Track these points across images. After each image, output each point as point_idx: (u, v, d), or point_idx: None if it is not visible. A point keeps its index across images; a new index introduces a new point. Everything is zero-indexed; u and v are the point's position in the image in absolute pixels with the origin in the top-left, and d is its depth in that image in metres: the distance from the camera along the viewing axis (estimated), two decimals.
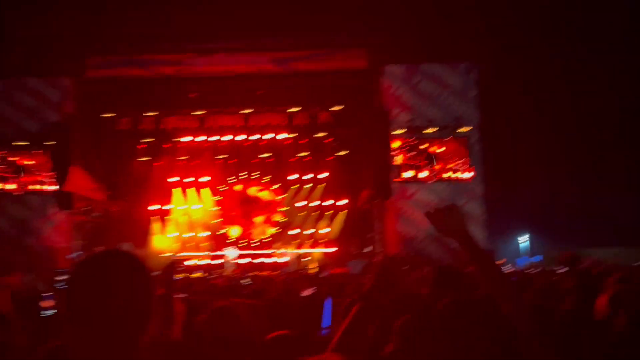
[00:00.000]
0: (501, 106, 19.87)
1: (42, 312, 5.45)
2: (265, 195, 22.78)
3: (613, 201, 20.98)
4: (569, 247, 16.45)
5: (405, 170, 19.09)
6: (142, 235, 21.37)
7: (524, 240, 20.32)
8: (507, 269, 14.43)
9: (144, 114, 20.08)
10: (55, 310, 5.39)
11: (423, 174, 19.14)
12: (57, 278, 11.11)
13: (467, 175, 19.11)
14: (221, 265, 20.06)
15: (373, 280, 2.05)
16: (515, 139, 20.53)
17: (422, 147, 19.08)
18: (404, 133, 19.01)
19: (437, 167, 19.11)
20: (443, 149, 19.13)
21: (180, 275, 12.48)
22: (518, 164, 19.50)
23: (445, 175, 19.10)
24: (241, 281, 11.48)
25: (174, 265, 5.18)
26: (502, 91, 19.96)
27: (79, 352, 1.31)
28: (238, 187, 22.83)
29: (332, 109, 20.05)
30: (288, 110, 20.29)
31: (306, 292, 7.78)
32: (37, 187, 18.39)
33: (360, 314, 1.95)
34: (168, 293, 3.52)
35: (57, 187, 17.61)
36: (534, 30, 20.39)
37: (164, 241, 21.94)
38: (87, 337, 1.30)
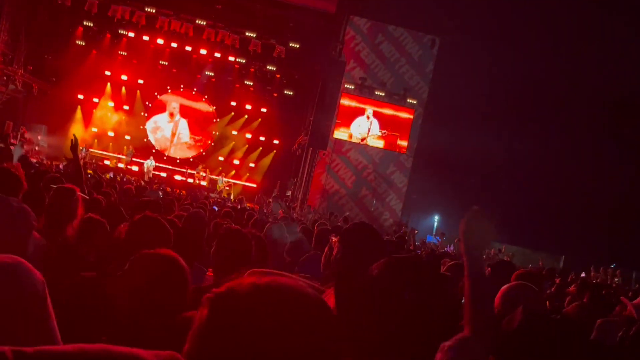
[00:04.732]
0: (452, 88, 20.08)
1: None
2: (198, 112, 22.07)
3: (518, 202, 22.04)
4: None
5: (346, 126, 19.07)
6: (61, 122, 20.17)
7: (437, 220, 21.10)
8: (417, 242, 14.93)
9: None
10: None
11: (362, 134, 19.21)
12: None
13: (402, 145, 19.38)
14: (137, 173, 19.40)
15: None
16: (455, 126, 20.91)
17: (367, 107, 19.08)
18: (354, 89, 18.89)
19: (377, 130, 19.22)
20: (387, 114, 19.23)
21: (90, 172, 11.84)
22: (451, 149, 19.92)
23: (381, 141, 19.27)
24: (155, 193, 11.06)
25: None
26: (456, 73, 20.14)
27: None
28: (173, 98, 21.94)
29: (289, 45, 19.38)
30: (244, 34, 19.39)
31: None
32: None
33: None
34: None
35: None
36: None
37: (82, 133, 20.82)
38: None
